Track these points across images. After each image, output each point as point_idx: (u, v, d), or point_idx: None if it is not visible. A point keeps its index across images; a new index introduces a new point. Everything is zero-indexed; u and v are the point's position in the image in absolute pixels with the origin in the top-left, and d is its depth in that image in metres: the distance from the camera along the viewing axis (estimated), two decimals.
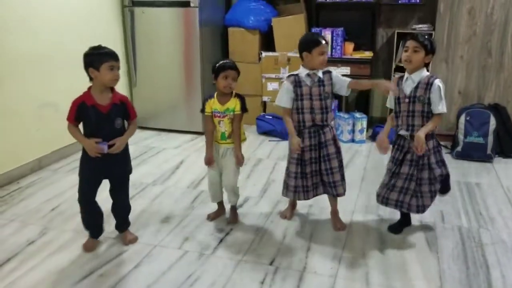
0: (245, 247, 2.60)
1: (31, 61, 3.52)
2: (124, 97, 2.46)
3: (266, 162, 3.92)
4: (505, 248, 2.60)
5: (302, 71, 2.58)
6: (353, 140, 4.45)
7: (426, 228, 2.81)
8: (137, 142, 4.43)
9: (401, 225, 2.78)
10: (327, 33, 4.48)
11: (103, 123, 2.36)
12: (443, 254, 2.53)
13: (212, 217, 2.91)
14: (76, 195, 2.50)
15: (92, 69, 2.29)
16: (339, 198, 2.78)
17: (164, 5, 4.42)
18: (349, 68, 4.48)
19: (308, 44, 2.52)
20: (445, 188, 2.71)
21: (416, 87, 2.46)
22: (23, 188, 3.37)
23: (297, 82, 2.57)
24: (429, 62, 2.53)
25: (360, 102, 4.98)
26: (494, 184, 3.50)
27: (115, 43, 4.55)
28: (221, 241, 2.67)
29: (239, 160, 2.69)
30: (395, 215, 2.89)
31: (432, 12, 4.34)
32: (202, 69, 4.46)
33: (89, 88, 2.36)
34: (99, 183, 2.50)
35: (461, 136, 4.00)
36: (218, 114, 2.64)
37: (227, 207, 2.94)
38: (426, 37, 2.44)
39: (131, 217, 2.68)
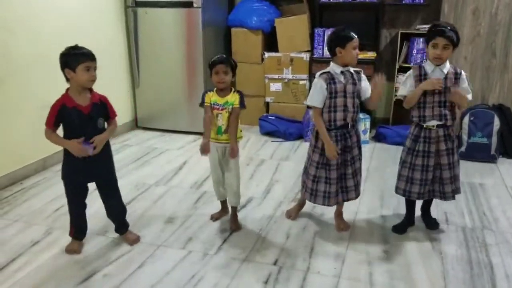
0: (248, 247, 2.60)
1: (35, 62, 3.53)
2: (103, 96, 2.42)
3: (269, 162, 3.92)
4: (510, 249, 2.59)
5: (335, 68, 2.50)
6: None
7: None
8: (140, 143, 4.45)
9: (405, 225, 2.77)
10: None
11: (85, 124, 2.31)
12: (447, 255, 2.52)
13: (215, 217, 2.91)
14: None
15: (68, 69, 2.24)
16: None
17: (167, 6, 4.43)
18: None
19: (341, 39, 2.45)
20: None
21: (445, 78, 2.47)
22: (27, 188, 3.38)
23: (330, 80, 2.50)
24: None
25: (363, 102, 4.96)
26: (498, 184, 3.49)
27: (118, 44, 4.57)
28: (224, 241, 2.67)
29: (234, 152, 2.63)
30: (398, 215, 2.89)
31: (436, 13, 4.33)
32: (205, 69, 4.45)
33: (67, 90, 2.32)
34: (86, 188, 2.49)
35: (465, 137, 3.99)
36: (217, 107, 2.62)
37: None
38: (449, 28, 2.41)
39: (134, 217, 2.69)
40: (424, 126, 2.54)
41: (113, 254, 2.52)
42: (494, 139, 3.91)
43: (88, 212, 2.57)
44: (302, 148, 4.24)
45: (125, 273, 2.36)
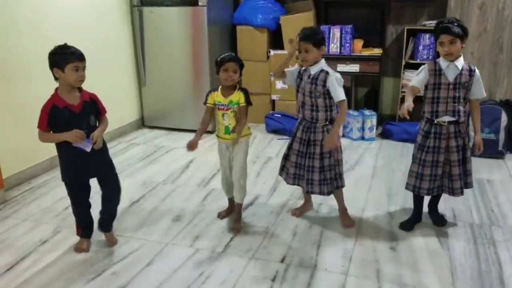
0: (255, 244, 2.61)
1: (42, 61, 3.52)
2: (93, 94, 2.41)
3: (275, 160, 3.92)
4: None
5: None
6: (362, 138, 4.43)
7: None
8: (147, 142, 4.46)
9: (413, 222, 2.76)
10: (336, 31, 4.47)
11: (78, 123, 2.29)
12: (455, 251, 2.52)
13: (222, 215, 2.92)
14: None
15: (57, 69, 2.23)
16: (348, 196, 2.78)
17: (172, 4, 4.44)
18: (358, 65, 4.46)
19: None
20: None
21: (460, 74, 2.46)
22: (35, 188, 3.41)
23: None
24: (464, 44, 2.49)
25: (370, 99, 4.96)
26: (506, 180, 3.48)
27: (124, 43, 4.58)
28: (231, 239, 2.68)
29: (236, 140, 2.61)
30: (405, 212, 2.89)
31: (442, 8, 4.31)
32: (210, 68, 4.46)
33: (56, 90, 2.31)
34: (88, 187, 2.49)
35: (472, 133, 3.96)
36: (222, 107, 2.63)
37: None
38: (455, 24, 2.40)
39: (142, 215, 2.70)
40: (435, 121, 2.54)
41: (121, 253, 2.54)
42: (502, 135, 3.88)
43: (94, 212, 2.58)
44: None
45: (133, 271, 2.37)
